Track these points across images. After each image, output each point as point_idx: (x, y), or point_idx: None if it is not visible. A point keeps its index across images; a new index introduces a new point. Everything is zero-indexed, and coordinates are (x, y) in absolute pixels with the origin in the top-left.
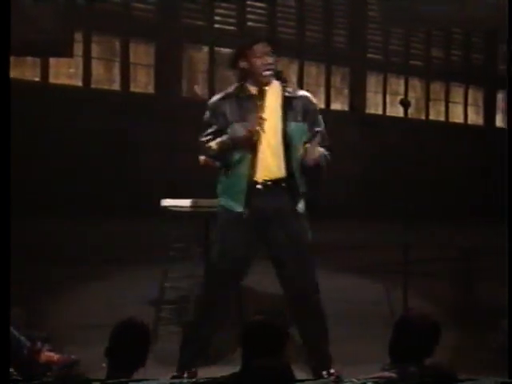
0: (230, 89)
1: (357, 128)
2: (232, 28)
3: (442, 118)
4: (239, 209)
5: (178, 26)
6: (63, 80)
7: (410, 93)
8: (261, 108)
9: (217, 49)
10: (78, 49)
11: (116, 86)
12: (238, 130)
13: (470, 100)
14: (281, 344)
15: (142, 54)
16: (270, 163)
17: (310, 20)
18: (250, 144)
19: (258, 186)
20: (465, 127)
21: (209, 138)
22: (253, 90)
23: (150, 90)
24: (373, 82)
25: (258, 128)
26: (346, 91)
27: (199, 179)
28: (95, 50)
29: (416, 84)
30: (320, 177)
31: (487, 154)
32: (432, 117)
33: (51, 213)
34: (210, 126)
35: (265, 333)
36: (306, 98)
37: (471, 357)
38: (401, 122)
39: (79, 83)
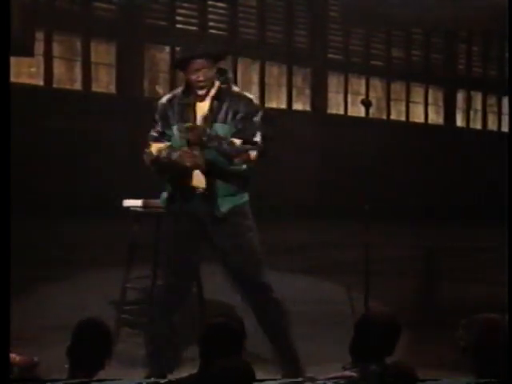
0: (177, 90)
1: (319, 128)
2: (194, 28)
3: (403, 118)
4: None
5: (139, 25)
6: (24, 79)
7: (371, 93)
8: (192, 119)
9: (178, 49)
10: (39, 48)
11: (78, 86)
12: (174, 154)
13: (430, 100)
14: (238, 345)
15: (104, 54)
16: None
17: (271, 20)
18: (182, 167)
19: (190, 194)
20: (425, 127)
21: (154, 135)
22: (190, 95)
23: (112, 89)
24: (334, 82)
25: (187, 163)
26: (308, 91)
27: (160, 179)
28: (56, 49)
29: (377, 84)
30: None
31: (448, 154)
32: (393, 116)
33: (9, 213)
34: (156, 125)
35: (222, 334)
36: (238, 98)
37: (434, 356)
38: (362, 121)
39: (40, 82)
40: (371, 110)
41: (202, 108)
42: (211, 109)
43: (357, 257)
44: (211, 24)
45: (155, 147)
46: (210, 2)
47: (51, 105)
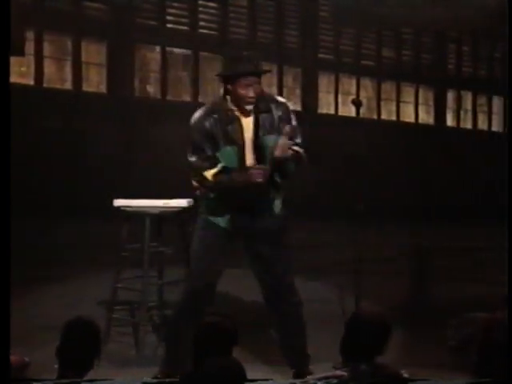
0: (211, 104)
1: (310, 128)
2: (184, 28)
3: (394, 118)
4: (224, 225)
5: (130, 25)
6: (15, 79)
7: (361, 92)
8: (241, 133)
9: (169, 49)
10: (30, 47)
11: (68, 85)
12: (238, 176)
13: (420, 99)
14: (230, 344)
15: (94, 53)
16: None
17: (261, 20)
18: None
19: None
20: (416, 126)
21: (198, 161)
22: (234, 110)
23: (103, 89)
24: (325, 82)
25: (260, 180)
26: (298, 91)
27: (151, 178)
28: (47, 48)
29: (367, 84)
30: (291, 172)
31: (439, 153)
32: (383, 116)
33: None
34: (199, 148)
35: (214, 333)
36: (276, 104)
37: (426, 355)
38: (353, 121)
39: (31, 82)
40: (362, 110)
41: (247, 122)
42: (257, 122)
43: (349, 257)
44: (202, 24)
45: (210, 173)
46: (200, 2)
47: (42, 104)
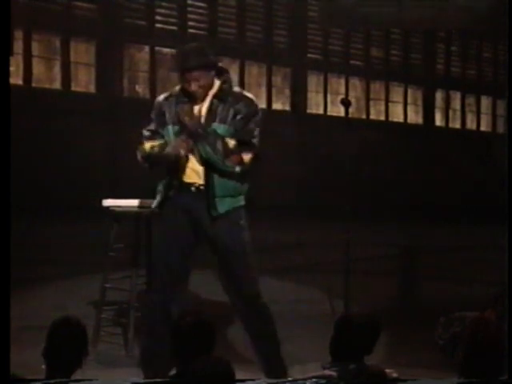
0: (175, 89)
1: (298, 127)
2: (173, 28)
3: (383, 118)
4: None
5: (119, 25)
6: None
7: (350, 92)
8: (191, 116)
9: (158, 48)
10: (18, 47)
11: (57, 85)
12: (168, 147)
13: (409, 99)
14: (210, 343)
15: (83, 53)
16: (193, 168)
17: (250, 20)
18: (174, 160)
19: (185, 190)
20: (404, 126)
21: (147, 134)
22: (190, 97)
23: (91, 89)
24: (314, 82)
25: (182, 150)
26: (287, 91)
27: (139, 178)
28: (36, 48)
29: (356, 84)
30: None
31: (426, 153)
32: (372, 116)
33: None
34: (150, 123)
35: (195, 332)
36: (239, 98)
37: (415, 355)
38: (342, 121)
39: (19, 82)
40: (351, 110)
41: (201, 107)
42: (210, 108)
43: (338, 256)
44: (191, 24)
45: (148, 144)
46: (189, 2)
47: (30, 104)
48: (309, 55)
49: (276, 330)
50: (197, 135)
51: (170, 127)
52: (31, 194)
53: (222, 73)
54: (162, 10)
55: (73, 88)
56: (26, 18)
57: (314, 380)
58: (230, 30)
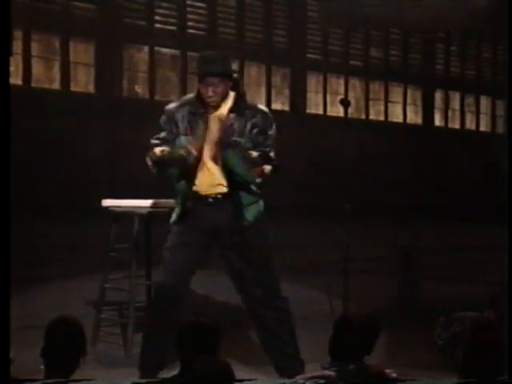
0: (187, 98)
1: (298, 128)
2: (173, 28)
3: (382, 118)
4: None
5: (118, 25)
6: None
7: (349, 92)
8: (205, 130)
9: (157, 48)
10: (18, 47)
11: (56, 85)
12: (178, 148)
13: (408, 99)
14: (214, 344)
15: (82, 53)
16: (212, 178)
17: (250, 20)
18: (184, 164)
19: (202, 201)
20: (404, 126)
21: (156, 142)
22: (205, 108)
23: (91, 89)
24: (313, 82)
25: (193, 151)
26: (287, 91)
27: (139, 179)
28: (35, 48)
29: (356, 84)
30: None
31: (426, 153)
32: (372, 116)
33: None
34: (162, 130)
35: (198, 333)
36: (254, 111)
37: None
38: (341, 121)
39: (19, 82)
40: (350, 110)
41: (216, 120)
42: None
43: (337, 256)
44: (190, 24)
45: (158, 149)
46: (188, 2)
47: (30, 104)
48: (308, 55)
49: (293, 332)
50: (227, 143)
51: (182, 138)
52: (31, 193)
53: (237, 84)
54: (162, 10)
55: (72, 88)
56: (25, 18)
57: (313, 380)
58: (229, 30)
